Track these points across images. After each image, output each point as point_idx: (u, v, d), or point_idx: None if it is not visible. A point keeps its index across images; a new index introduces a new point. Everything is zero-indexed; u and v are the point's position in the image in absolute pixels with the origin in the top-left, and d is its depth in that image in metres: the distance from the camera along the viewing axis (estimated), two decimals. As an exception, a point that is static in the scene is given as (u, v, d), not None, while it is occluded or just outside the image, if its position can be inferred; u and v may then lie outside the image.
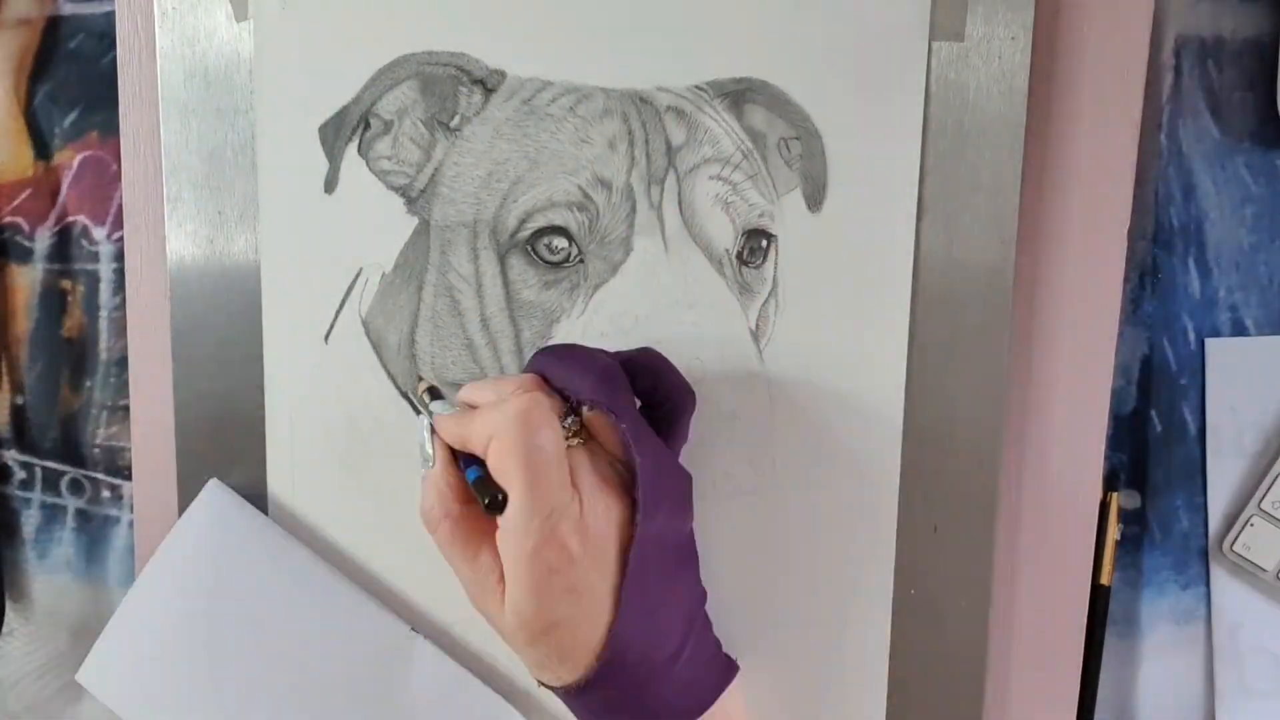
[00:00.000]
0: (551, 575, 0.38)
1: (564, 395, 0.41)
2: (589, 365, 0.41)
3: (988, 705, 0.49)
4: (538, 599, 0.38)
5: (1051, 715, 0.50)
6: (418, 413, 0.47)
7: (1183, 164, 0.50)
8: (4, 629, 0.53)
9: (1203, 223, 0.50)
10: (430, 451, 0.42)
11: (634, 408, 0.41)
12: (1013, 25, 0.45)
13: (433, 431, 0.42)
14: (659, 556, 0.41)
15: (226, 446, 0.48)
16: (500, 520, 0.39)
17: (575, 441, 0.40)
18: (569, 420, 0.40)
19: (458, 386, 0.47)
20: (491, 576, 0.40)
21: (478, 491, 0.39)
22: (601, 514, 0.39)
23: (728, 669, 0.44)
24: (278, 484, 0.48)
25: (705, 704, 0.42)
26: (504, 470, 0.38)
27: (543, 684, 0.42)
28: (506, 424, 0.38)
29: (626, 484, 0.41)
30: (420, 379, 0.47)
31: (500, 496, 0.38)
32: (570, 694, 0.41)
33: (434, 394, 0.44)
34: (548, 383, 0.41)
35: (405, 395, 0.48)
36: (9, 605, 0.53)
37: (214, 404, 0.48)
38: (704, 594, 0.44)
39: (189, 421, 0.48)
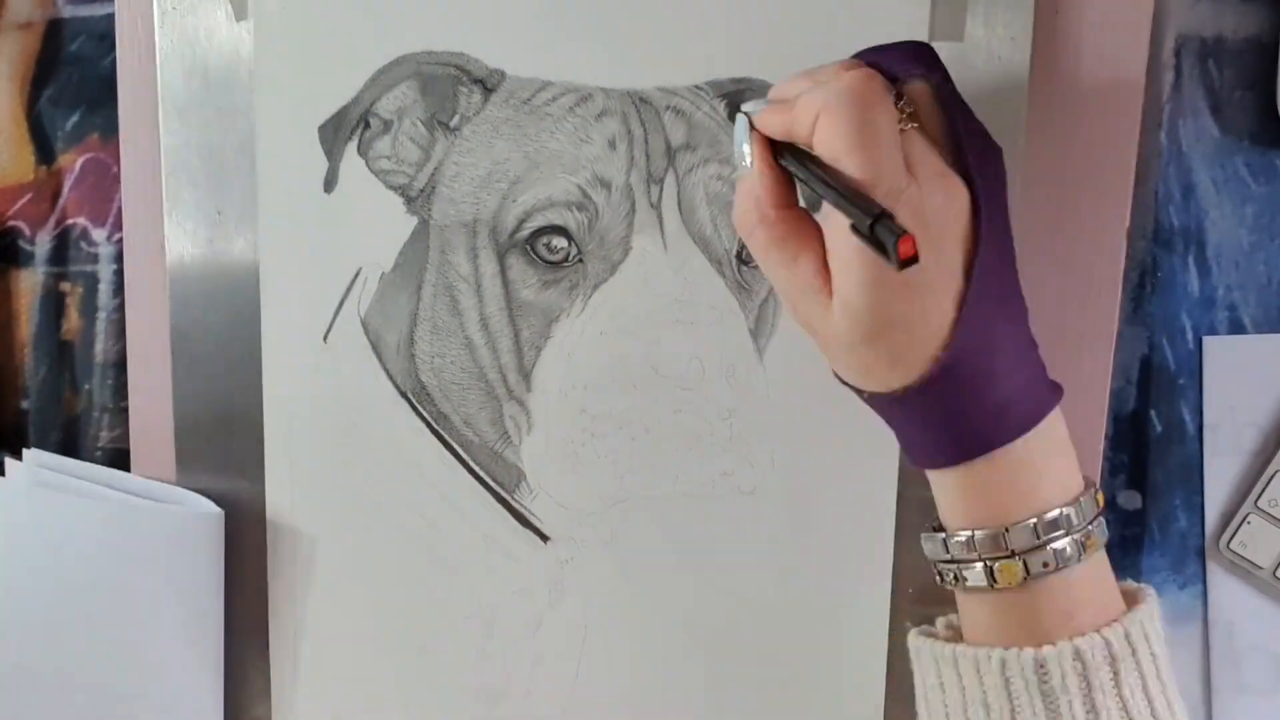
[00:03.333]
0: (879, 280, 0.35)
1: (887, 74, 0.38)
2: (906, 45, 0.39)
3: (986, 704, 0.49)
4: (874, 293, 0.35)
5: (1049, 714, 0.50)
6: (732, 120, 0.44)
7: (1183, 164, 0.50)
8: None
9: (1202, 222, 0.50)
10: (747, 151, 0.39)
11: (952, 83, 0.39)
12: (1012, 25, 0.45)
13: (751, 129, 0.39)
14: (998, 254, 0.38)
15: (225, 446, 0.48)
16: (829, 206, 0.36)
17: (908, 125, 0.37)
18: (900, 103, 0.38)
19: (458, 386, 0.47)
20: (815, 279, 0.37)
21: (850, 210, 0.35)
22: (941, 202, 0.36)
23: (1055, 387, 0.40)
24: (276, 483, 0.48)
25: (1036, 418, 0.38)
26: (835, 147, 0.36)
27: (864, 393, 0.39)
28: (837, 97, 0.36)
29: (961, 173, 0.37)
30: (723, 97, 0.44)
31: (881, 214, 0.34)
32: (896, 400, 0.38)
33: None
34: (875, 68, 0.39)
35: (405, 397, 0.48)
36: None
37: (213, 404, 0.48)
38: (1024, 303, 0.40)
39: (188, 421, 0.48)
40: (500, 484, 0.48)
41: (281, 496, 0.48)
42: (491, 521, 0.48)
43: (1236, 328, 0.51)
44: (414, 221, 0.47)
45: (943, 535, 0.40)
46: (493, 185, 0.46)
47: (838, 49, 0.45)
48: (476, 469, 0.48)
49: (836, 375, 0.41)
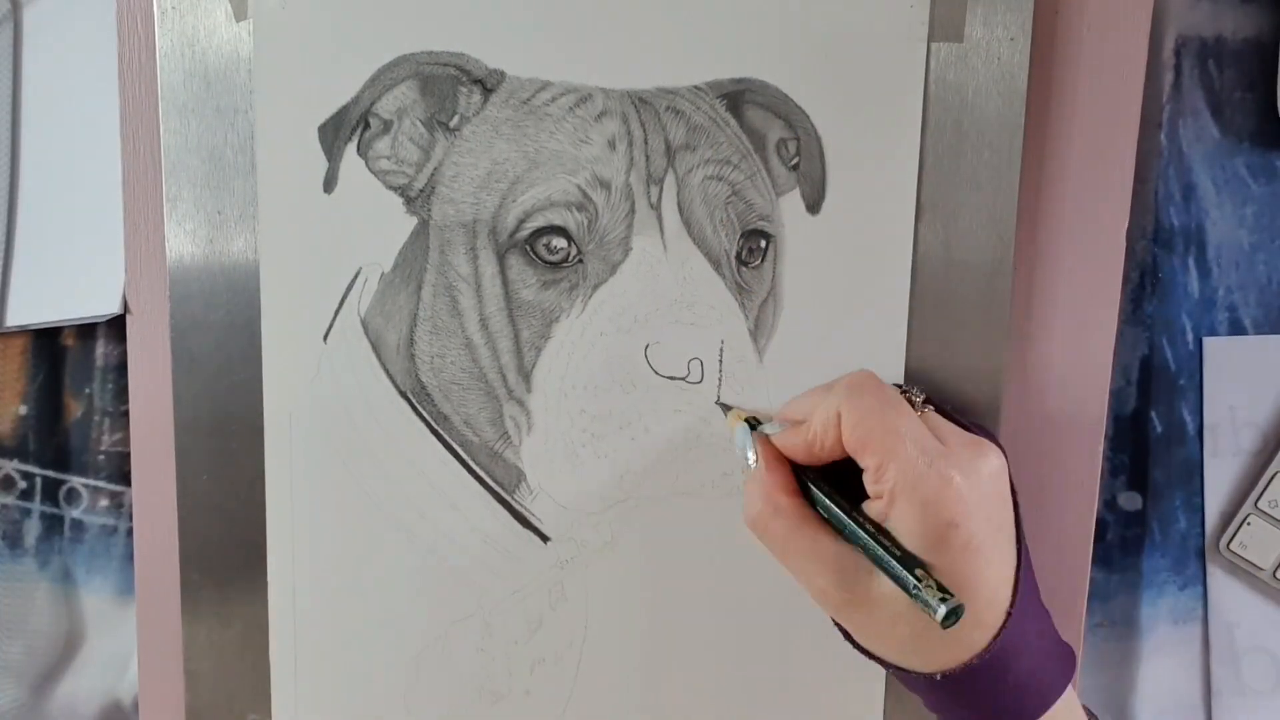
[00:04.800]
0: (952, 530, 0.35)
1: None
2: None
3: (986, 704, 0.49)
4: (937, 555, 0.35)
5: (1049, 714, 0.50)
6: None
7: (1183, 164, 0.50)
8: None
9: (1202, 222, 0.50)
10: (750, 454, 0.40)
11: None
12: (1011, 26, 0.45)
13: (751, 432, 0.41)
14: (1021, 513, 0.38)
15: (226, 446, 0.48)
16: (883, 486, 0.36)
17: (924, 408, 0.39)
18: (913, 389, 0.39)
19: (458, 386, 0.47)
20: (851, 558, 0.37)
21: (924, 595, 0.34)
22: (980, 463, 0.37)
23: (1069, 654, 0.40)
24: (276, 484, 0.48)
25: (1061, 688, 0.38)
26: (865, 434, 0.36)
27: (900, 671, 0.39)
28: (850, 394, 0.37)
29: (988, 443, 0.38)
30: (728, 407, 0.46)
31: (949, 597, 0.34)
32: (939, 682, 0.37)
33: (752, 424, 0.43)
34: None
35: (405, 397, 0.48)
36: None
37: (213, 404, 0.48)
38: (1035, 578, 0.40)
39: (188, 422, 0.48)
40: (500, 484, 0.48)
41: (281, 496, 0.48)
42: (491, 521, 0.48)
43: (1236, 328, 0.51)
44: (414, 222, 0.47)
45: None
46: (492, 185, 0.46)
47: (838, 49, 0.45)
48: (476, 469, 0.48)
49: (862, 649, 0.40)
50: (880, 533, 0.36)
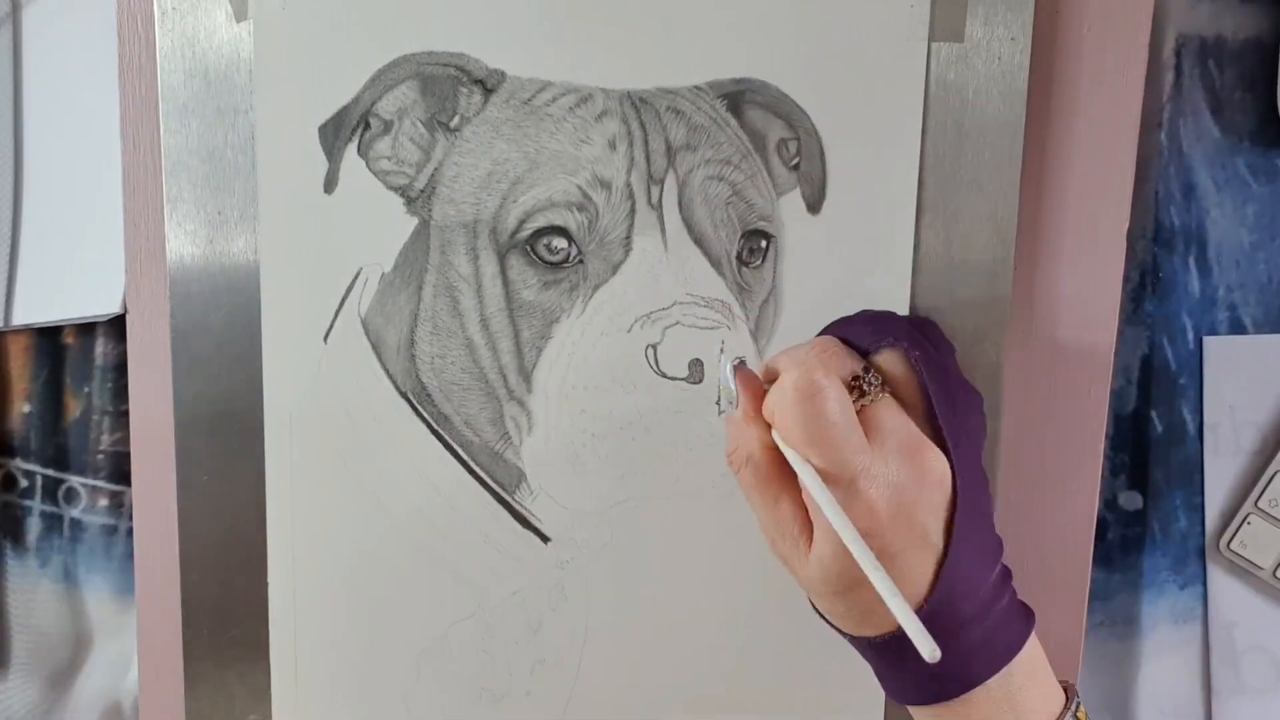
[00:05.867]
0: (865, 538, 0.36)
1: (858, 349, 0.41)
2: (872, 316, 0.43)
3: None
4: (847, 558, 0.36)
5: (1049, 714, 0.50)
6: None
7: (1183, 164, 0.50)
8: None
9: (1203, 222, 0.50)
10: (735, 394, 0.41)
11: (923, 347, 0.40)
12: (1012, 26, 0.45)
13: (737, 375, 0.41)
14: (974, 509, 0.39)
15: (226, 446, 0.48)
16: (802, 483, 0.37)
17: (880, 395, 0.39)
18: (869, 375, 0.39)
19: (458, 386, 0.47)
20: (793, 525, 0.39)
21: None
22: (912, 474, 0.37)
23: (1028, 616, 0.40)
24: (277, 484, 0.48)
25: (1011, 654, 0.39)
26: (793, 442, 0.38)
27: (845, 635, 0.40)
28: (783, 402, 0.38)
29: (934, 437, 0.39)
30: (722, 348, 0.47)
31: None
32: (870, 645, 0.39)
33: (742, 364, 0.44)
34: (845, 343, 0.41)
35: (405, 398, 0.48)
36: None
37: (214, 404, 0.48)
38: (1000, 541, 0.41)
39: (188, 421, 0.48)
40: (500, 484, 0.48)
41: (281, 497, 0.48)
42: (492, 522, 0.48)
43: (1237, 328, 0.51)
44: (414, 222, 0.47)
45: None
46: (493, 186, 0.46)
47: (838, 49, 0.45)
48: (477, 469, 0.48)
49: (813, 607, 0.42)
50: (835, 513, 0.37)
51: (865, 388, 0.39)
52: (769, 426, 0.40)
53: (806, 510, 0.39)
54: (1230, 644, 0.52)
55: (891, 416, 0.39)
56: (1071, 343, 0.48)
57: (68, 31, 0.51)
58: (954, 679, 0.38)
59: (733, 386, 0.42)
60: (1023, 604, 0.41)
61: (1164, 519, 0.52)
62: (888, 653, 0.39)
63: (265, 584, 0.49)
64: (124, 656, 0.53)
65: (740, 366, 0.42)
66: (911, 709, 0.41)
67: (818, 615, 0.42)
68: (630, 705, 0.50)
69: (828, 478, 0.37)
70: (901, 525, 0.37)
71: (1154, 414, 0.51)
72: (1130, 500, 0.51)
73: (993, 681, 0.38)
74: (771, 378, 0.41)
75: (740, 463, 0.40)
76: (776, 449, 0.40)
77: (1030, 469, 0.49)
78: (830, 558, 0.37)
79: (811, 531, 0.39)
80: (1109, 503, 0.51)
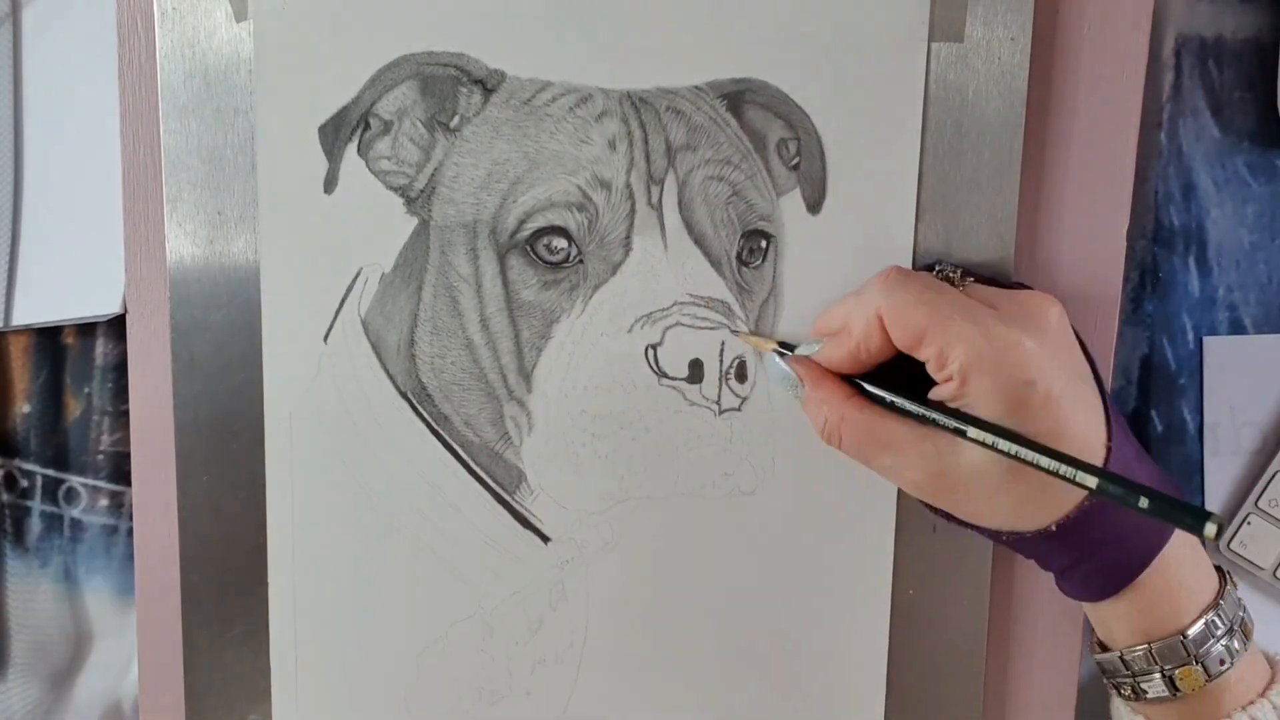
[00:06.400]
0: (1029, 387, 0.35)
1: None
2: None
3: (986, 706, 0.49)
4: (1020, 415, 0.35)
5: (1050, 715, 0.50)
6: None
7: (1183, 164, 0.50)
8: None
9: (1203, 222, 0.50)
10: (794, 378, 0.41)
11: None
12: (1012, 26, 0.45)
13: (788, 359, 0.41)
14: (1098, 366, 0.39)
15: (226, 446, 0.48)
16: (950, 367, 0.36)
17: (963, 286, 0.39)
18: (946, 267, 0.39)
19: (459, 387, 0.47)
20: (926, 441, 0.37)
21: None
22: (1039, 319, 0.37)
23: (1175, 486, 0.40)
24: (277, 484, 0.48)
25: (1164, 540, 0.38)
26: (917, 324, 0.36)
27: (1008, 535, 0.39)
28: (886, 292, 0.37)
29: None
30: (751, 332, 0.46)
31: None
32: (1047, 538, 0.38)
33: (785, 350, 0.44)
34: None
35: (405, 398, 0.48)
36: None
37: (214, 404, 0.48)
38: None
39: (189, 422, 0.48)
40: (501, 485, 0.48)
41: (281, 496, 0.48)
42: (492, 522, 0.48)
43: (1237, 328, 0.51)
44: (414, 222, 0.47)
45: (1117, 653, 0.40)
46: (493, 186, 0.46)
47: (838, 49, 0.45)
48: (477, 469, 0.48)
49: (966, 524, 0.40)
50: (962, 418, 0.36)
51: (951, 276, 0.39)
52: (843, 384, 0.39)
53: (925, 424, 0.37)
54: (1230, 644, 0.52)
55: (989, 290, 0.38)
56: (1071, 343, 0.48)
57: (68, 31, 0.51)
58: (1133, 557, 0.37)
59: (786, 369, 0.41)
60: (1167, 477, 0.40)
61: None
62: (1068, 538, 0.37)
63: (265, 584, 0.49)
64: (124, 656, 0.53)
65: (781, 349, 0.42)
66: (1088, 606, 0.40)
67: (975, 529, 0.40)
68: (630, 705, 0.50)
69: (973, 342, 0.35)
70: (1055, 366, 0.35)
71: (1154, 414, 0.51)
72: (1130, 500, 0.51)
73: (1166, 554, 0.38)
74: (828, 330, 0.40)
75: (836, 429, 0.39)
76: (858, 395, 0.39)
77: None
78: (1001, 417, 0.35)
79: (948, 437, 0.37)
80: (1109, 503, 0.51)
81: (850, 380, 0.41)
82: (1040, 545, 0.39)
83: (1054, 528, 0.37)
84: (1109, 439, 0.37)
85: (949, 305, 0.36)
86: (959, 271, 0.40)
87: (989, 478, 0.37)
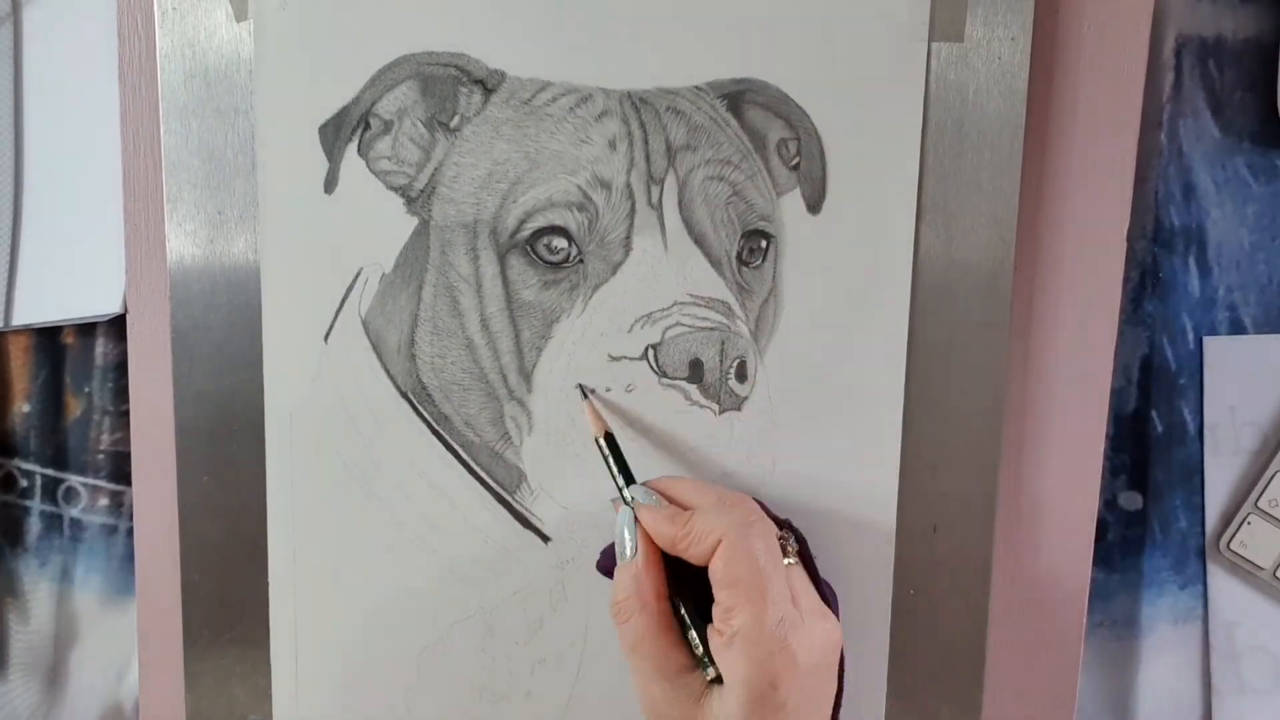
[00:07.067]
0: (772, 690, 0.37)
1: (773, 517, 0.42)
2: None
3: (986, 704, 0.49)
4: (754, 712, 0.37)
5: (1050, 714, 0.50)
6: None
7: (1183, 164, 0.50)
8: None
9: (1203, 222, 0.50)
10: (631, 541, 0.41)
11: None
12: (1012, 26, 0.45)
13: (634, 523, 0.42)
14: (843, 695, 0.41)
15: (226, 446, 0.48)
16: (727, 627, 0.38)
17: (792, 560, 0.40)
18: (789, 537, 0.41)
19: (459, 386, 0.47)
20: (691, 676, 0.39)
21: (707, 661, 0.39)
22: (820, 639, 0.38)
23: None
24: (277, 484, 0.48)
25: None
26: (735, 575, 0.38)
27: None
28: (739, 529, 0.38)
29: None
30: (596, 419, 0.46)
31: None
32: None
33: (611, 441, 0.44)
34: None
35: (405, 398, 0.48)
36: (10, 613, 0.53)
37: (214, 404, 0.48)
38: None
39: (189, 422, 0.48)
40: (501, 484, 0.48)
41: (281, 496, 0.48)
42: (492, 522, 0.48)
43: (1237, 328, 0.51)
44: (414, 222, 0.47)
45: None
46: (493, 186, 0.46)
47: (838, 49, 0.45)
48: (477, 469, 0.48)
49: None
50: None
51: (786, 549, 0.40)
52: (662, 573, 0.40)
53: (695, 661, 0.39)
54: (1230, 644, 0.52)
55: (802, 582, 0.40)
56: (1071, 343, 0.48)
57: (68, 31, 0.51)
58: None
59: (627, 532, 0.42)
60: None
61: (1164, 519, 0.52)
62: None
63: (265, 584, 0.49)
64: (124, 656, 0.53)
65: (638, 506, 0.42)
66: None
67: None
68: (630, 705, 0.50)
69: (756, 625, 0.37)
70: (800, 685, 0.37)
71: (1154, 414, 0.51)
72: (1130, 500, 0.52)
73: None
74: (677, 499, 0.42)
75: (633, 610, 0.40)
76: (667, 598, 0.40)
77: (1030, 469, 0.49)
78: (737, 712, 0.37)
79: (701, 684, 0.39)
80: (1109, 503, 0.51)
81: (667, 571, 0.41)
82: None
83: None
84: None
85: (769, 583, 0.38)
86: (795, 547, 0.41)
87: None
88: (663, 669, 0.39)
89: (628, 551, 0.41)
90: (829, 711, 0.39)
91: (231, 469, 0.48)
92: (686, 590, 0.41)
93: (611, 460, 0.44)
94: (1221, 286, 0.50)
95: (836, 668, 0.40)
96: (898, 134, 0.46)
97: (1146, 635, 0.52)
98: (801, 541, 0.42)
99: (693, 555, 0.40)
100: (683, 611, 0.40)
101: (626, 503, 0.42)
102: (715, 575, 0.39)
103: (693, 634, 0.40)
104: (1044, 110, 0.47)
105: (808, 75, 0.45)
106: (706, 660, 0.39)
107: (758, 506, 0.41)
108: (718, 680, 0.38)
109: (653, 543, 0.41)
